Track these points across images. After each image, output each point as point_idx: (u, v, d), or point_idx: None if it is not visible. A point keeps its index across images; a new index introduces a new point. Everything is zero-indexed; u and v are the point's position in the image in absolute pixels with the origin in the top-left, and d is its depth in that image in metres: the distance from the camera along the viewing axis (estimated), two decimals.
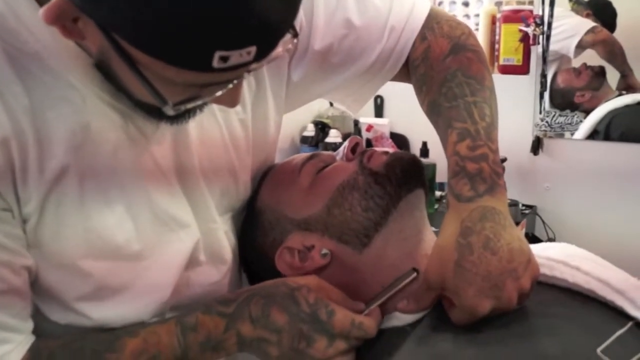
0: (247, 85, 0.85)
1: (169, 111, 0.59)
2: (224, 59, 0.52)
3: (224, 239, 0.84)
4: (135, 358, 0.70)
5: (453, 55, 0.83)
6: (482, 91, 0.79)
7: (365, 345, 0.74)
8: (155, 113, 0.66)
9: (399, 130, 2.71)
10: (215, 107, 0.80)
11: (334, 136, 2.51)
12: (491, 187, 0.71)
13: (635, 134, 2.32)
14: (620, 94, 2.35)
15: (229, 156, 0.84)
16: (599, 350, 0.65)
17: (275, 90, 0.88)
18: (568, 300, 0.76)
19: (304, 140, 2.56)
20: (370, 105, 2.75)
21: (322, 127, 2.56)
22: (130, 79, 0.58)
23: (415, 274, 0.76)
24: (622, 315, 0.72)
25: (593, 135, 2.39)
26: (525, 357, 0.64)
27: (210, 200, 0.81)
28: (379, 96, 2.74)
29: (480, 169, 0.72)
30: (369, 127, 2.66)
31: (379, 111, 2.77)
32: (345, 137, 2.62)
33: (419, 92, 0.87)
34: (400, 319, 0.76)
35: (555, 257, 0.80)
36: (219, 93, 0.60)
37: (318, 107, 2.70)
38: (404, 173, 0.80)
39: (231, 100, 0.64)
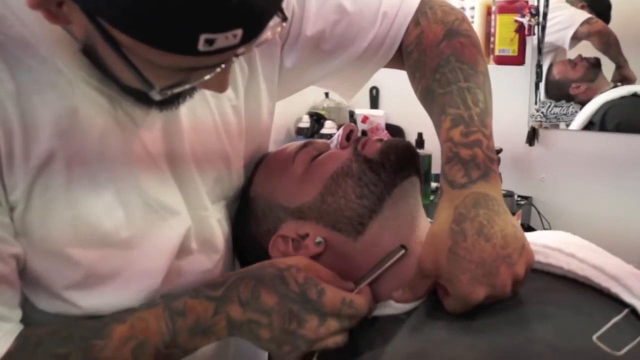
0: (240, 72, 0.84)
1: (156, 96, 0.59)
2: (209, 42, 0.52)
3: (216, 227, 0.83)
4: (124, 344, 0.69)
5: (447, 41, 0.82)
6: (475, 76, 0.79)
7: (360, 332, 0.74)
8: (144, 99, 0.65)
9: (395, 121, 2.71)
10: (207, 93, 0.79)
11: (329, 127, 2.51)
12: (485, 173, 0.70)
13: (631, 125, 2.34)
14: (615, 86, 2.36)
15: (222, 143, 0.83)
16: (594, 337, 0.65)
17: (268, 77, 0.87)
18: (563, 288, 0.75)
19: (299, 131, 2.55)
20: (365, 97, 2.76)
21: (317, 119, 2.56)
22: (117, 63, 0.57)
23: (403, 251, 0.75)
24: (618, 302, 0.71)
25: (588, 126, 2.40)
26: (520, 344, 0.63)
27: (201, 187, 0.80)
28: (374, 87, 2.74)
29: (474, 155, 0.71)
30: (365, 118, 2.65)
31: (374, 102, 2.77)
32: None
33: (412, 78, 0.86)
34: (395, 308, 0.75)
35: (550, 244, 0.80)
36: (207, 77, 0.59)
37: (313, 98, 2.70)
38: (399, 160, 0.80)
39: (220, 85, 0.63)
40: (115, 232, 0.70)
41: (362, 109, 2.72)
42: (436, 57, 0.81)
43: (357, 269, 0.78)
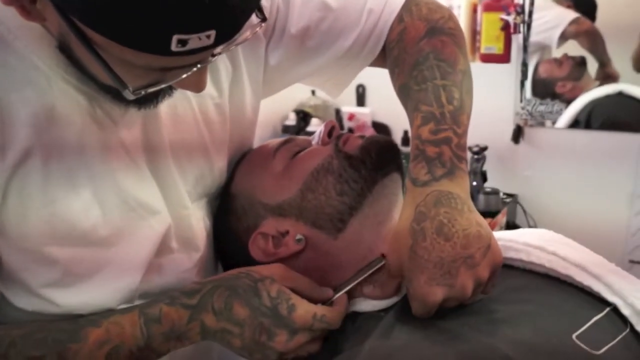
0: (224, 70, 0.83)
1: (129, 95, 0.59)
2: (182, 42, 0.52)
3: (197, 225, 0.82)
4: (98, 348, 0.69)
5: (428, 38, 0.82)
6: (453, 75, 0.78)
7: (339, 329, 0.73)
8: (122, 97, 0.64)
9: (381, 119, 2.71)
10: (189, 93, 0.78)
11: (315, 125, 2.50)
12: (450, 171, 0.70)
13: (616, 123, 2.35)
14: (601, 84, 2.37)
15: (203, 141, 0.82)
16: (574, 336, 0.64)
17: (252, 75, 0.87)
18: (545, 286, 0.75)
19: (286, 129, 2.55)
20: (352, 94, 2.75)
21: (303, 116, 2.56)
22: (91, 61, 0.57)
23: (383, 262, 0.75)
24: (599, 301, 0.71)
25: (574, 124, 2.41)
26: (481, 352, 0.62)
27: (181, 186, 0.79)
28: (360, 85, 2.73)
29: (441, 152, 0.71)
30: (351, 116, 2.65)
31: (360, 100, 2.77)
32: None
33: (392, 74, 0.86)
34: (373, 305, 0.75)
35: (532, 242, 0.80)
36: (183, 76, 0.59)
37: (300, 96, 2.69)
38: (380, 156, 0.79)
39: (197, 85, 0.63)
40: (93, 231, 0.69)
41: (349, 107, 2.72)
42: (415, 54, 0.81)
43: (337, 266, 0.77)
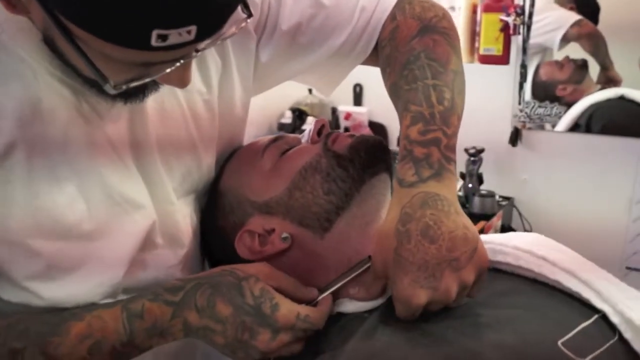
0: (214, 66, 0.83)
1: (110, 90, 0.59)
2: (162, 37, 0.52)
3: (183, 222, 0.82)
4: (80, 342, 0.69)
5: (420, 37, 0.81)
6: (444, 74, 0.77)
7: (323, 330, 0.73)
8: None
9: (378, 119, 2.71)
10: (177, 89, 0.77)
11: (311, 123, 2.48)
12: (438, 172, 0.69)
13: (616, 127, 2.34)
14: (602, 88, 2.35)
15: (191, 137, 0.82)
16: (560, 342, 0.63)
17: (242, 71, 0.86)
18: (532, 291, 0.74)
19: (281, 127, 2.54)
20: (349, 93, 2.75)
21: (299, 115, 2.56)
22: (74, 55, 0.57)
23: (369, 263, 0.74)
24: (588, 308, 0.71)
25: (575, 128, 2.40)
26: (464, 356, 0.62)
27: (168, 182, 0.79)
28: (357, 84, 2.73)
29: (429, 153, 0.70)
30: (347, 115, 2.65)
31: (357, 99, 2.76)
32: None
33: (383, 73, 0.85)
34: (358, 306, 0.74)
35: (521, 246, 0.79)
36: (167, 71, 0.59)
37: (296, 94, 2.69)
38: (369, 156, 0.78)
39: (181, 80, 0.63)
40: (78, 225, 0.69)
41: (345, 106, 2.71)
42: (406, 53, 0.80)
43: (323, 267, 0.77)
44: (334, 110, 2.66)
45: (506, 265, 0.78)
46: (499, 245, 0.80)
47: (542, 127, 2.44)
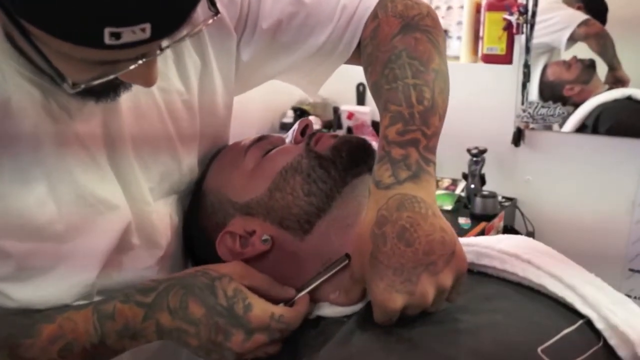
0: (192, 66, 0.82)
1: (68, 89, 0.58)
2: (115, 35, 0.52)
3: (159, 223, 0.81)
4: (52, 344, 0.68)
5: (401, 35, 0.79)
6: (425, 73, 0.76)
7: (302, 334, 0.72)
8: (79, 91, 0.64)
9: None
10: (154, 88, 0.77)
11: (313, 123, 2.48)
12: (415, 174, 0.68)
13: (623, 128, 2.31)
14: (610, 88, 2.33)
15: (169, 137, 0.81)
16: (539, 349, 0.62)
17: (223, 71, 0.86)
18: (516, 295, 0.73)
19: (283, 126, 2.54)
20: (352, 93, 2.74)
21: (301, 114, 2.55)
22: (34, 53, 0.57)
23: (347, 261, 0.73)
24: (573, 313, 0.69)
25: (581, 129, 2.37)
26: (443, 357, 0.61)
27: (143, 182, 0.78)
28: (361, 84, 2.72)
29: (407, 155, 0.69)
30: (350, 115, 2.63)
31: (360, 99, 2.75)
32: (325, 124, 2.59)
33: (365, 73, 0.84)
34: (337, 310, 0.73)
35: (507, 250, 0.77)
36: (131, 68, 0.58)
37: (299, 93, 2.65)
38: (351, 157, 0.77)
39: (145, 79, 0.62)
40: (49, 226, 0.69)
41: (348, 105, 2.70)
42: (388, 52, 0.78)
43: (303, 270, 0.76)
44: (336, 110, 2.65)
45: (492, 269, 0.76)
46: (485, 248, 0.78)
47: (549, 128, 2.41)
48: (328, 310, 0.74)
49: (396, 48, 0.78)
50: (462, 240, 0.73)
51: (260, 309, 0.69)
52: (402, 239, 0.63)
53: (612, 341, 0.66)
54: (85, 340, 0.69)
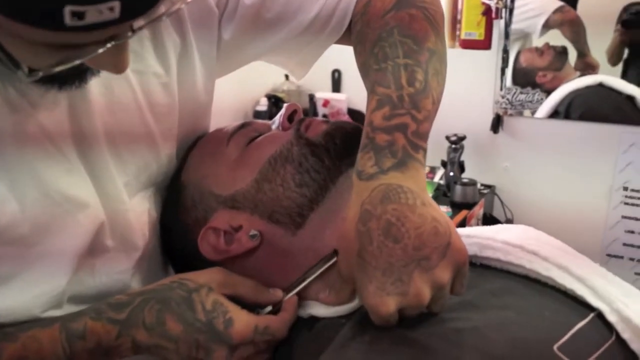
0: (172, 45, 0.76)
1: (23, 77, 0.52)
2: (78, 15, 0.45)
3: (136, 221, 0.75)
4: None
5: (394, 11, 0.73)
6: (418, 53, 0.70)
7: (296, 336, 0.68)
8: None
9: (357, 106, 2.66)
10: (129, 70, 0.69)
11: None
12: (402, 161, 0.61)
13: (595, 115, 2.32)
14: (581, 75, 2.34)
15: (147, 125, 0.74)
16: (555, 346, 0.58)
17: (204, 51, 0.79)
18: (524, 289, 0.69)
19: (257, 114, 2.49)
20: (327, 80, 2.70)
21: (276, 102, 2.51)
22: None
23: (335, 258, 0.68)
24: (583, 306, 0.65)
25: (553, 115, 2.38)
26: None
27: (118, 177, 0.72)
28: (336, 70, 2.68)
29: (392, 141, 0.62)
30: (326, 102, 2.60)
31: (336, 86, 2.72)
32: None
33: (355, 52, 0.78)
34: (332, 310, 0.68)
35: (511, 240, 0.73)
36: (99, 51, 0.51)
37: (273, 80, 2.65)
38: (345, 144, 0.72)
39: (115, 65, 0.55)
40: (11, 228, 0.62)
41: (323, 93, 2.66)
42: (378, 29, 0.73)
43: (295, 267, 0.71)
44: (312, 97, 2.61)
45: (495, 262, 0.72)
46: (487, 239, 0.74)
47: (521, 114, 2.41)
48: (322, 310, 0.69)
49: (388, 25, 0.72)
50: (460, 231, 0.68)
51: (243, 323, 0.64)
52: (388, 235, 0.57)
53: (625, 335, 0.62)
54: None
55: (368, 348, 0.59)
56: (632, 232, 2.28)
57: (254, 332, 0.64)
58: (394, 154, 0.61)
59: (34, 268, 0.65)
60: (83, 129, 0.67)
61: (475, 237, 0.74)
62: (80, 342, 0.64)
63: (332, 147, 0.72)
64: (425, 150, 0.64)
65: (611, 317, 0.63)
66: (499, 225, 0.82)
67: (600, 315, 0.64)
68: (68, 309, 0.68)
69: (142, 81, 0.73)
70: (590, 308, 0.65)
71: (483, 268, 0.73)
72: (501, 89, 2.39)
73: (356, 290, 0.61)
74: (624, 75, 2.26)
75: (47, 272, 0.66)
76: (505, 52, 2.34)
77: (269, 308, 0.68)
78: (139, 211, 0.75)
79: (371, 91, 0.68)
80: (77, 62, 0.52)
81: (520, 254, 0.71)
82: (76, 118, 0.67)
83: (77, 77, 0.59)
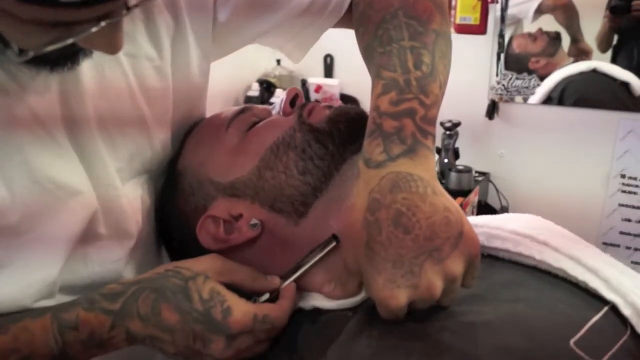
0: (165, 26, 0.73)
1: (13, 57, 0.50)
2: None
3: (130, 208, 0.72)
4: (6, 357, 0.60)
5: None
6: (424, 35, 0.67)
7: (298, 329, 0.66)
8: (30, 58, 0.54)
9: (350, 91, 2.64)
10: (120, 53, 0.67)
11: (280, 96, 2.40)
12: (411, 148, 0.59)
13: (589, 101, 2.31)
14: (575, 61, 2.32)
15: (139, 110, 0.72)
16: (572, 342, 0.56)
17: (199, 33, 0.77)
18: (535, 281, 0.66)
19: (248, 100, 2.47)
20: (319, 65, 2.68)
21: (267, 87, 2.48)
22: None
23: (334, 243, 0.66)
24: (595, 298, 0.63)
25: (547, 102, 2.36)
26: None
27: (110, 163, 0.69)
28: (328, 55, 2.66)
29: (401, 127, 0.60)
30: (318, 88, 2.58)
31: (328, 71, 2.69)
32: None
33: (357, 34, 0.75)
34: (338, 303, 0.66)
35: (520, 230, 0.71)
36: (93, 30, 0.48)
37: (264, 65, 2.62)
38: (350, 130, 0.70)
39: (109, 44, 0.52)
40: (0, 216, 0.59)
41: (316, 78, 2.63)
42: (382, 10, 0.70)
43: (297, 257, 0.68)
44: (304, 83, 2.58)
45: (504, 252, 0.70)
46: (495, 229, 0.72)
47: (512, 100, 2.39)
48: (326, 302, 0.67)
49: (391, 6, 0.69)
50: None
51: (241, 311, 0.62)
52: (398, 225, 0.55)
53: None
54: (45, 353, 0.61)
55: (378, 343, 0.57)
56: (629, 220, 2.27)
57: (253, 321, 0.62)
58: (402, 141, 0.59)
59: (24, 257, 0.63)
60: (74, 113, 0.65)
61: (484, 226, 0.73)
62: (72, 332, 0.62)
63: (336, 133, 0.69)
64: (434, 137, 0.62)
65: (626, 311, 0.61)
66: (505, 215, 0.80)
67: (613, 308, 0.62)
68: (60, 299, 0.66)
69: (135, 64, 0.70)
70: (602, 301, 0.63)
71: (491, 259, 0.70)
72: (497, 75, 2.36)
73: (363, 283, 0.59)
74: (614, 62, 2.25)
75: (37, 261, 0.63)
76: (501, 36, 2.32)
77: (266, 296, 0.66)
78: (132, 197, 0.73)
79: (376, 75, 0.66)
80: (70, 41, 0.49)
81: (530, 244, 0.69)
82: (67, 102, 0.64)
83: (69, 58, 0.56)
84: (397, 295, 0.55)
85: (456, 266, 0.56)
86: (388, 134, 0.60)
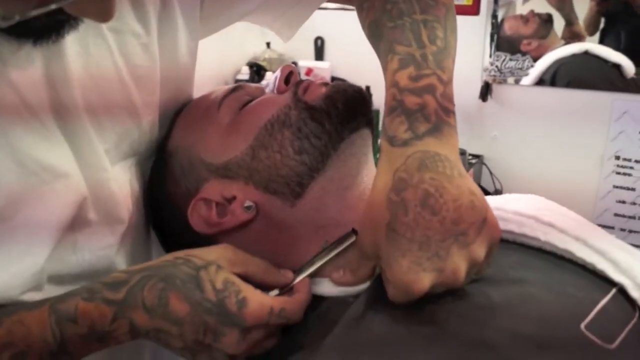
0: (151, 3, 0.70)
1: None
2: None
3: (120, 192, 0.69)
4: None
5: None
6: (435, 8, 0.65)
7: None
8: (11, 29, 0.51)
9: (341, 74, 2.60)
10: (105, 28, 0.65)
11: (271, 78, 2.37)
12: (436, 126, 0.57)
13: (581, 83, 2.28)
14: (567, 43, 2.30)
15: (126, 90, 0.69)
16: (582, 325, 0.54)
17: (186, 9, 0.74)
18: (541, 263, 0.65)
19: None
20: (310, 47, 2.64)
21: (257, 70, 2.44)
22: None
23: (354, 238, 0.63)
24: (603, 280, 0.62)
25: (539, 84, 2.34)
26: (475, 352, 0.52)
27: (98, 144, 0.66)
28: (319, 37, 2.62)
29: (424, 104, 0.58)
30: (309, 71, 2.54)
31: (319, 54, 2.65)
32: None
33: (359, 10, 0.72)
34: (342, 290, 0.64)
35: (523, 211, 0.69)
36: None
37: (254, 48, 2.58)
38: (347, 108, 0.67)
39: (100, 12, 0.48)
40: None
41: (306, 61, 2.59)
42: None
43: (295, 240, 0.67)
44: (294, 65, 2.54)
45: (508, 234, 0.68)
46: (497, 210, 0.69)
47: (505, 81, 2.37)
48: (331, 288, 0.64)
49: None
50: None
51: (257, 303, 0.59)
52: (426, 205, 0.53)
53: None
54: (42, 348, 0.57)
55: (383, 328, 0.55)
56: (624, 202, 2.26)
57: (269, 315, 0.59)
58: (427, 118, 0.57)
59: (9, 244, 0.59)
60: (58, 90, 0.61)
61: None
62: (71, 325, 0.58)
63: (333, 111, 0.67)
64: (454, 115, 0.60)
65: (634, 293, 0.60)
66: (505, 195, 0.78)
67: (621, 290, 0.60)
68: (49, 290, 0.62)
69: (120, 40, 0.67)
70: (610, 282, 0.61)
71: None
72: (490, 56, 2.34)
73: (383, 266, 0.56)
74: (601, 45, 2.25)
75: (23, 249, 0.60)
76: (495, 17, 2.29)
77: (276, 292, 0.63)
78: (121, 180, 0.70)
79: (390, 50, 0.63)
80: (55, 6, 0.45)
81: (535, 225, 0.67)
82: (51, 79, 0.61)
83: (53, 29, 0.53)
84: (421, 279, 0.52)
85: (480, 251, 0.54)
86: (411, 110, 0.58)
